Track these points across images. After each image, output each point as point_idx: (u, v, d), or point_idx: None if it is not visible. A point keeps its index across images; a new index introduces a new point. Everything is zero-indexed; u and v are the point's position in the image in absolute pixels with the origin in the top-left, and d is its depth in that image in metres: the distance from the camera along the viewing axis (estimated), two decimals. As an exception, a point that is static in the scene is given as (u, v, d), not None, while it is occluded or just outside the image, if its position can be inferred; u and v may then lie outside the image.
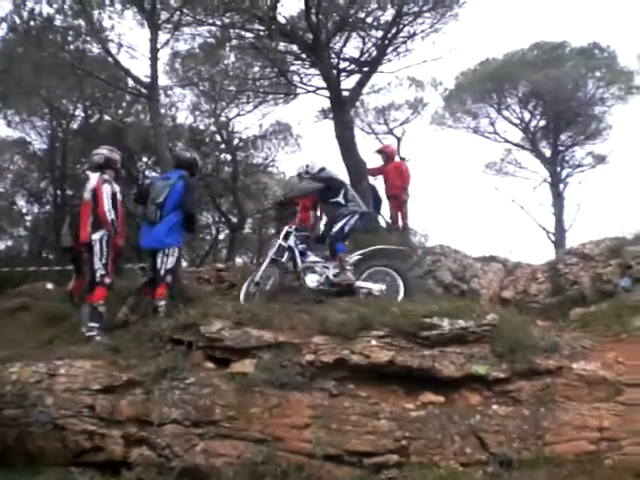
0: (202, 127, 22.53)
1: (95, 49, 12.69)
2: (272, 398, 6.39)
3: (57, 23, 11.74)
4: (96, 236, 8.43)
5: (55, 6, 11.58)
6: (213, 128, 22.55)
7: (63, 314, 9.36)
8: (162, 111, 14.66)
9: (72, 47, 12.54)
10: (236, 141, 23.10)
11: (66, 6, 11.68)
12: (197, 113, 22.26)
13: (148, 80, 11.01)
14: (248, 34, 14.92)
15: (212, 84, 18.70)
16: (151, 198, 8.89)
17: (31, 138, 23.47)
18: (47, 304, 10.42)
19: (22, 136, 23.66)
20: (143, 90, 11.30)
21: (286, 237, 9.91)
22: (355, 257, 9.90)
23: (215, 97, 20.69)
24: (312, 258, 9.81)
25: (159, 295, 8.56)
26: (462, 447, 6.15)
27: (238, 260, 22.55)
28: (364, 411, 6.33)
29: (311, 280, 9.54)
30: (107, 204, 8.48)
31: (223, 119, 22.25)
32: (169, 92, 19.51)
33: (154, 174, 11.82)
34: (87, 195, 8.67)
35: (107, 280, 8.40)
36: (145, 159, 20.83)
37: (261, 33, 14.49)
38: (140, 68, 11.61)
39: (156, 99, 11.09)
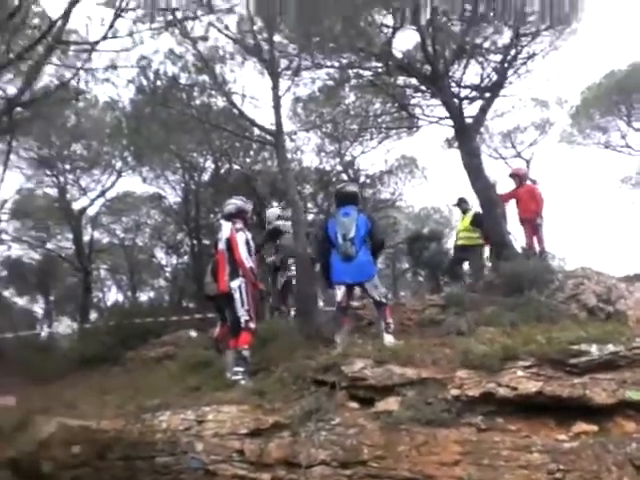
0: (328, 168, 22.87)
1: (220, 102, 13.14)
2: (419, 436, 6.25)
3: (182, 81, 12.22)
4: (235, 284, 8.62)
5: (179, 65, 12.07)
6: (339, 168, 22.85)
7: (207, 361, 9.57)
8: (288, 156, 14.94)
9: (198, 102, 13.02)
10: (363, 178, 23.25)
11: (189, 64, 12.15)
12: (322, 154, 22.63)
13: (273, 127, 11.27)
14: (366, 72, 15.05)
15: (335, 125, 18.98)
16: (342, 235, 9.02)
17: (165, 192, 24.55)
18: (191, 352, 10.69)
19: (157, 191, 24.84)
20: (269, 137, 11.57)
21: None
22: None
23: (339, 137, 20.99)
24: None
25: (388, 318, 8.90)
26: (619, 477, 5.78)
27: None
28: (515, 445, 6.08)
29: None
30: (244, 252, 8.69)
31: (348, 158, 22.53)
32: (294, 137, 19.92)
33: (279, 222, 11.88)
34: (222, 245, 8.92)
35: (252, 325, 8.57)
36: (275, 203, 21.28)
37: (379, 70, 14.58)
38: (264, 116, 11.94)
39: (282, 145, 11.32)
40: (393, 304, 9.25)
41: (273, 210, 13.49)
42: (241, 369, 8.30)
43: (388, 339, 8.63)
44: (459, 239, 14.80)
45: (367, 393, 7.03)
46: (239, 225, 8.98)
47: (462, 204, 15.12)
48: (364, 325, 11.30)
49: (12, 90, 15.52)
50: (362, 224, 9.10)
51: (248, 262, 8.67)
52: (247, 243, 8.87)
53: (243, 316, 8.53)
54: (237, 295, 8.58)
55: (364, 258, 8.99)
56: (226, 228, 8.99)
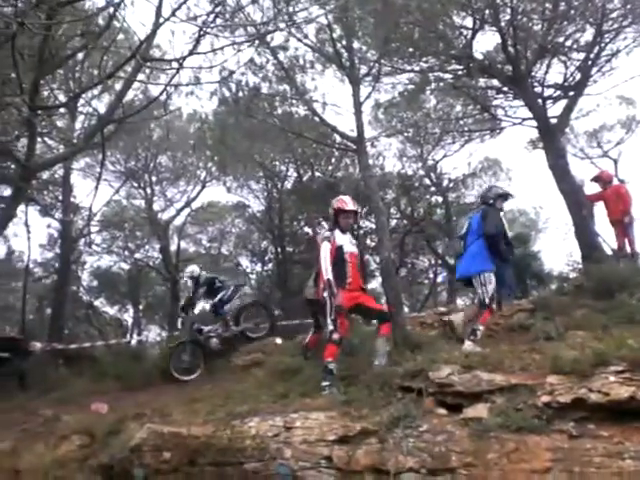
0: (410, 172, 22.81)
1: (301, 110, 13.26)
2: (509, 443, 6.18)
3: (264, 91, 12.39)
4: (325, 293, 8.58)
5: (260, 75, 12.26)
6: (421, 172, 22.75)
7: (294, 368, 9.65)
8: (370, 162, 14.97)
9: (280, 111, 13.19)
10: (446, 182, 23.11)
11: (270, 74, 12.32)
12: (404, 159, 22.59)
13: (354, 134, 11.33)
14: (447, 75, 15.00)
15: (416, 129, 18.91)
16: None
17: (249, 201, 24.91)
18: (278, 359, 10.81)
19: (241, 200, 25.23)
20: (350, 144, 11.63)
21: None
22: None
23: (420, 141, 20.93)
24: None
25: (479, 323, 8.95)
26: None
27: (459, 302, 22.35)
28: (607, 452, 5.94)
29: None
30: (323, 263, 8.63)
31: (430, 162, 22.40)
32: (375, 142, 19.96)
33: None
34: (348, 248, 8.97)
35: (335, 336, 8.42)
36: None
37: (460, 72, 14.51)
38: (346, 123, 12.03)
39: (364, 151, 11.35)
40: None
41: None
42: (327, 383, 8.25)
43: (466, 345, 8.55)
44: None
45: (455, 399, 6.99)
46: (327, 234, 8.96)
47: None
48: (449, 331, 11.24)
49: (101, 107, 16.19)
50: (475, 220, 9.24)
51: (327, 273, 8.53)
52: (338, 250, 8.83)
53: (328, 326, 8.51)
54: (327, 304, 8.52)
55: (473, 252, 9.08)
56: (318, 238, 9.04)
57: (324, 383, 8.27)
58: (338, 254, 8.77)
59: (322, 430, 6.91)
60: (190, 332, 13.94)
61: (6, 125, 11.37)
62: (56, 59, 10.47)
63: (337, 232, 8.95)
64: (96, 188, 19.66)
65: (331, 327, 8.48)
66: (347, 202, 9.15)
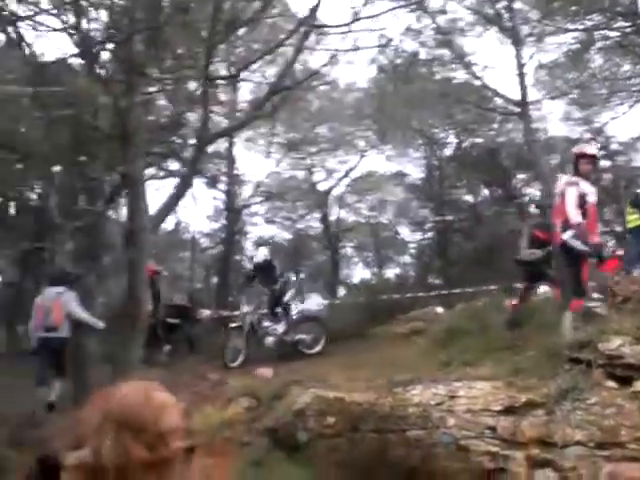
0: (576, 136, 21.90)
1: (461, 75, 13.05)
2: (684, 417, 5.89)
3: (422, 56, 12.28)
4: (566, 236, 8.35)
5: (418, 40, 12.13)
6: (587, 135, 21.79)
7: (456, 336, 9.60)
8: (534, 126, 14.50)
9: (439, 76, 13.03)
10: (614, 146, 22.04)
11: (429, 39, 12.18)
12: (569, 123, 21.71)
13: (517, 97, 11.04)
14: (613, 33, 14.27)
15: (582, 91, 18.11)
16: None
17: (408, 170, 24.80)
18: (439, 327, 10.78)
19: (400, 169, 25.15)
20: (513, 107, 11.35)
21: None
22: None
23: (586, 104, 20.00)
24: None
25: None
26: None
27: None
28: None
29: None
30: (571, 208, 8.33)
31: (597, 125, 21.41)
32: (539, 105, 19.30)
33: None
34: (557, 198, 8.73)
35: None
36: (521, 176, 20.75)
37: (627, 30, 13.75)
38: (507, 86, 11.73)
39: (527, 115, 11.05)
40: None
41: None
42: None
43: None
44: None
45: (625, 372, 6.70)
46: (573, 179, 8.64)
47: None
48: (619, 302, 10.78)
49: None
50: None
51: (575, 217, 8.20)
52: (582, 197, 8.49)
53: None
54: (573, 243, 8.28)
55: None
56: (561, 182, 8.77)
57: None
58: (581, 203, 8.42)
59: (487, 400, 6.82)
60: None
61: (180, 98, 11.83)
62: (228, 29, 10.74)
63: (581, 180, 8.66)
64: (267, 155, 20.20)
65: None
66: (588, 147, 8.98)
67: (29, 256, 17.53)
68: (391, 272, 29.10)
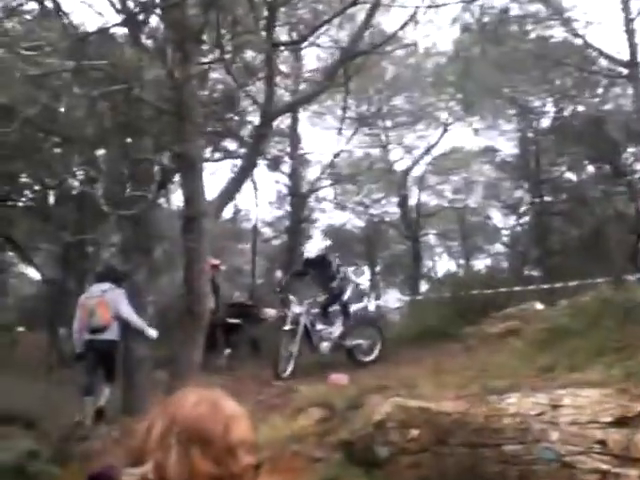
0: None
1: (559, 33, 12.82)
2: None
3: (513, 13, 12.10)
4: None
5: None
6: None
7: (560, 337, 9.47)
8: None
9: (533, 36, 12.82)
10: None
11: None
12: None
13: (626, 57, 10.81)
14: None
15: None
16: None
17: (499, 144, 24.45)
18: (539, 327, 10.65)
19: (490, 144, 24.78)
20: (621, 69, 11.11)
21: None
22: None
23: None
24: None
25: None
26: None
27: None
28: None
29: None
30: None
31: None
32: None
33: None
34: None
35: None
36: (632, 149, 20.28)
37: None
38: (614, 45, 11.50)
39: (637, 77, 10.81)
40: None
41: None
42: None
43: None
44: None
45: None
46: None
47: None
48: None
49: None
50: None
51: None
52: None
53: None
54: None
55: None
56: None
57: None
58: None
59: (595, 410, 6.71)
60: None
61: (241, 68, 11.88)
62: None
63: None
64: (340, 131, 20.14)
65: None
66: None
67: (71, 250, 17.84)
68: (481, 263, 28.93)
